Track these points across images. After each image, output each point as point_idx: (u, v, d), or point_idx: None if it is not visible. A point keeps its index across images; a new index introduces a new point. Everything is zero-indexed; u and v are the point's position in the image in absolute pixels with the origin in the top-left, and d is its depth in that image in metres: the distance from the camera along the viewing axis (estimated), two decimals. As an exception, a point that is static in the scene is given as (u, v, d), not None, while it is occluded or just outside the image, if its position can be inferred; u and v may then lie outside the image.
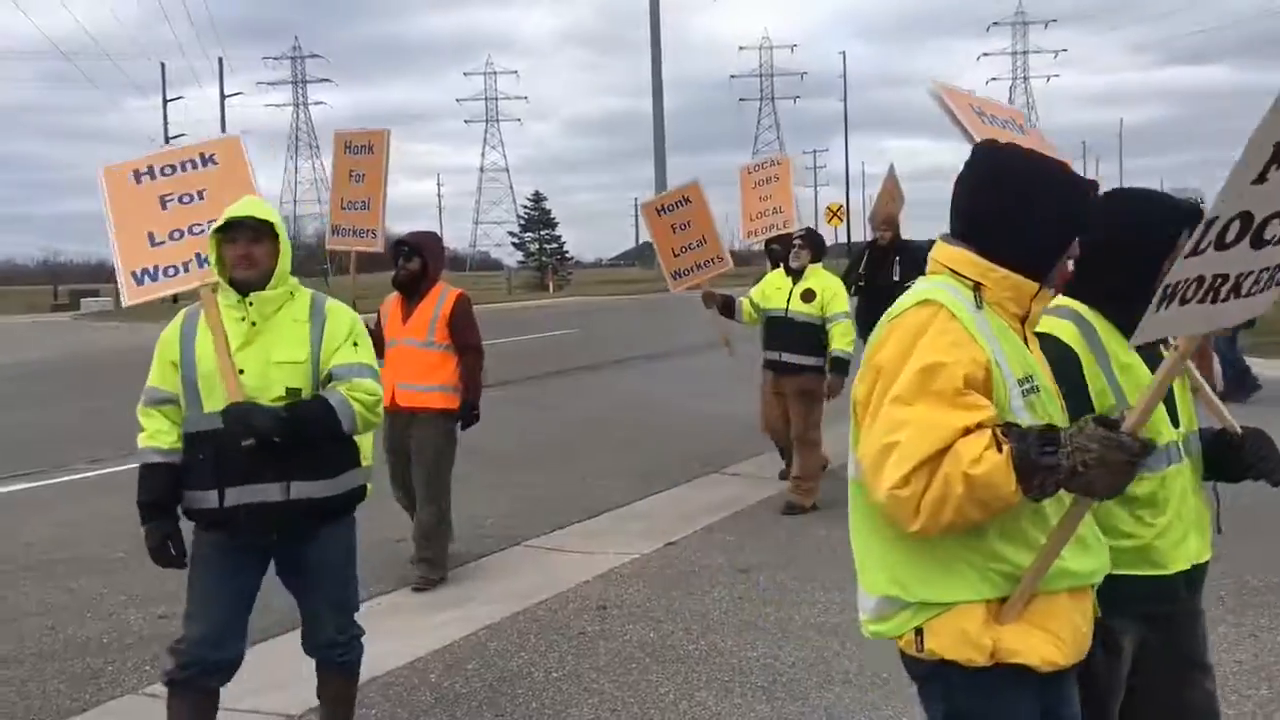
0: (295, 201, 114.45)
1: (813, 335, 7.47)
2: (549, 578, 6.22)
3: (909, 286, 2.30)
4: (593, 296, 50.53)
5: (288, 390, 3.44)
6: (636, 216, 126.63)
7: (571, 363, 18.38)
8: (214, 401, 3.42)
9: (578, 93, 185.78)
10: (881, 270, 8.49)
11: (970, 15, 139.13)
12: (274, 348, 3.48)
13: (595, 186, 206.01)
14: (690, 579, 6.11)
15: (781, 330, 7.59)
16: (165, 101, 56.61)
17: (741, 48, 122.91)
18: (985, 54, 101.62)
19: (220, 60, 63.06)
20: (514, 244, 76.67)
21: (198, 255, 3.80)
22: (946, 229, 2.33)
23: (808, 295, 7.50)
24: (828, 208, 46.81)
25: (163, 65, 56.85)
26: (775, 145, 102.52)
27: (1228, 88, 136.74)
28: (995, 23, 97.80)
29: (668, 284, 8.12)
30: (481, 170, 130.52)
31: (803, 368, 7.54)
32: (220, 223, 3.48)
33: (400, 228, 32.29)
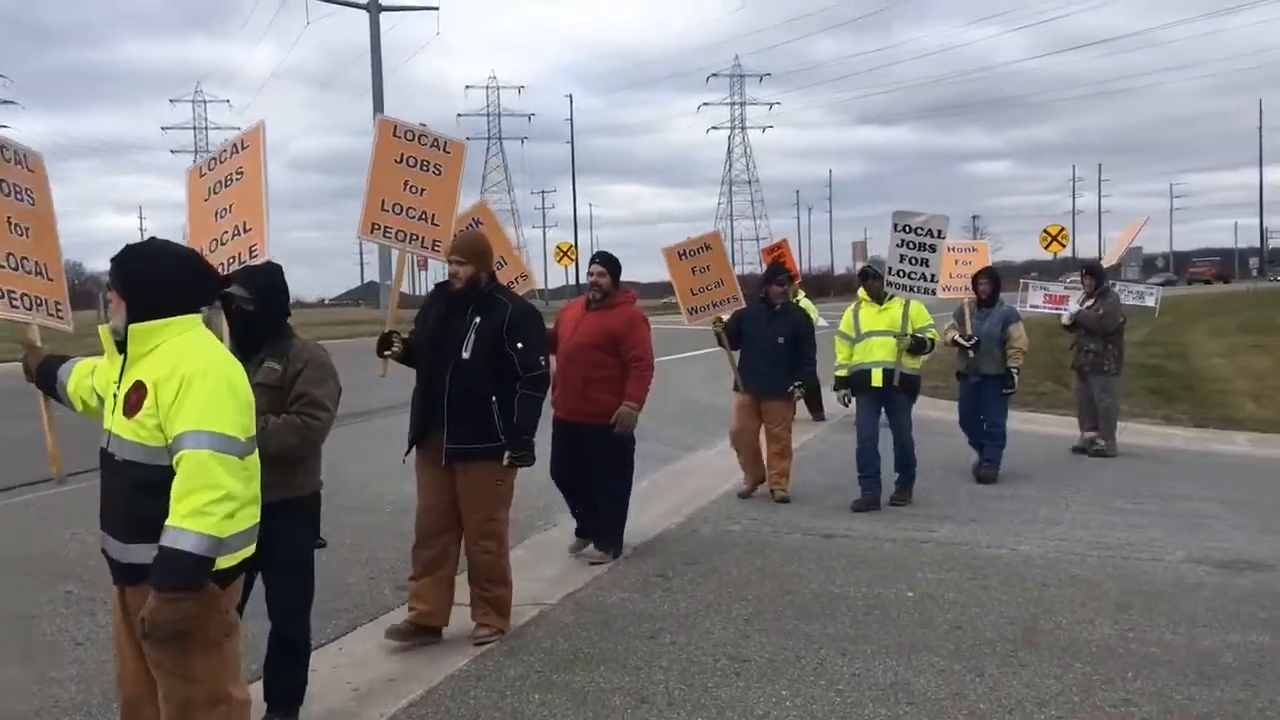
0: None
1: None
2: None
3: None
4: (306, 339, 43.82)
5: None
6: (362, 254, 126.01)
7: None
8: None
9: (299, 130, 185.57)
10: None
11: (690, 65, 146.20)
12: None
13: (317, 225, 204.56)
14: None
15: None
16: None
17: (468, 87, 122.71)
18: (705, 103, 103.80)
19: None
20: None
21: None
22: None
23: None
24: (557, 247, 47.73)
25: None
26: (504, 186, 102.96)
27: (911, 148, 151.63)
28: (714, 74, 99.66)
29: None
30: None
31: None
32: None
33: (97, 264, 30.35)
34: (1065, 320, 11.28)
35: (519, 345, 5.26)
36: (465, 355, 5.22)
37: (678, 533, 7.66)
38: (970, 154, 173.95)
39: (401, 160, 6.03)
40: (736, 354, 8.82)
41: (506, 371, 5.25)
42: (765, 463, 8.79)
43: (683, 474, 10.18)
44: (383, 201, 5.98)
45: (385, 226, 6.00)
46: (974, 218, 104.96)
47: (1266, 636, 5.23)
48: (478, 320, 5.28)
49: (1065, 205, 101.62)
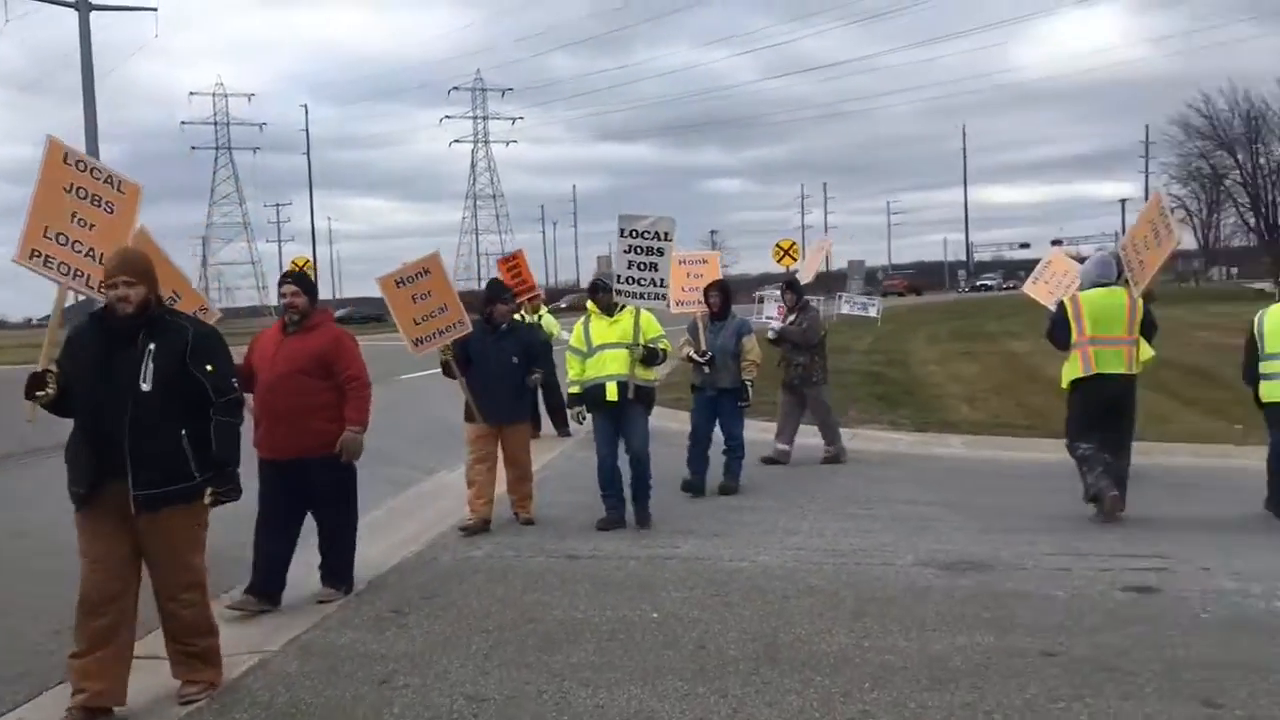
0: None
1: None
2: None
3: None
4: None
5: None
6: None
7: None
8: None
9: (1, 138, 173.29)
10: None
11: (430, 77, 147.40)
12: None
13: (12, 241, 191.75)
14: None
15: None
16: None
17: (193, 93, 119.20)
18: (448, 117, 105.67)
19: None
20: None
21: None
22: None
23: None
24: (293, 262, 46.99)
25: None
26: (234, 198, 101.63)
27: (651, 165, 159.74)
28: (455, 87, 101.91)
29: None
30: None
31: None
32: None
33: None
34: (770, 335, 11.55)
35: (209, 368, 4.71)
36: (145, 387, 4.57)
37: (415, 563, 7.27)
38: (708, 171, 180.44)
39: (71, 190, 5.60)
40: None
41: (195, 400, 4.68)
42: (506, 490, 8.43)
43: (425, 498, 9.77)
44: (46, 228, 5.52)
45: (48, 256, 5.50)
46: (712, 232, 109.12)
47: (991, 637, 5.42)
48: (153, 346, 4.66)
49: (795, 221, 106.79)
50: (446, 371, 8.23)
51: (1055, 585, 6.28)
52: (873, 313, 35.74)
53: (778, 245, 32.23)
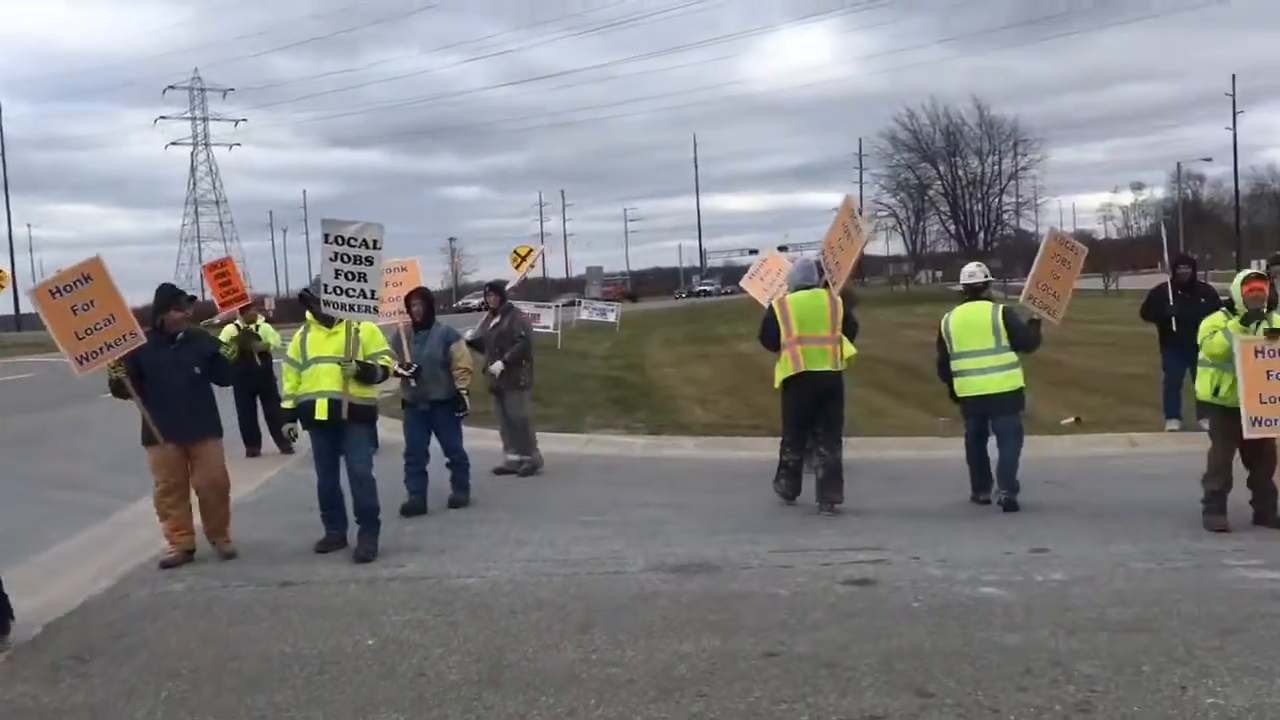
0: None
1: None
2: None
3: None
4: None
5: None
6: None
7: None
8: None
9: None
10: None
11: (142, 75, 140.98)
12: None
13: None
14: None
15: None
16: None
17: None
18: (163, 117, 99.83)
19: None
20: None
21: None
22: None
23: None
24: None
25: None
26: None
27: (385, 171, 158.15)
28: (171, 86, 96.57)
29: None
30: None
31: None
32: None
33: None
34: (469, 337, 10.97)
35: None
36: None
37: (105, 600, 6.55)
38: (445, 178, 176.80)
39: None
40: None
41: None
42: (200, 518, 7.59)
43: (123, 527, 8.88)
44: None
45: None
46: (450, 240, 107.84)
47: (716, 641, 5.39)
48: None
49: (534, 228, 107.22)
50: (118, 391, 7.38)
51: (779, 583, 6.36)
52: (611, 318, 36.23)
53: (515, 252, 32.04)
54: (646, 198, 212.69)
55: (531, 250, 33.12)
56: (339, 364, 7.45)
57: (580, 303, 41.59)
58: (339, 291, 7.53)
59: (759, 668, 4.99)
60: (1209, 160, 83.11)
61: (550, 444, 11.36)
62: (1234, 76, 71.53)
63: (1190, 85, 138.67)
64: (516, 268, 31.50)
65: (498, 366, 10.45)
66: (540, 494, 9.69)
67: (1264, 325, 7.33)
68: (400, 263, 11.15)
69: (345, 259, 7.55)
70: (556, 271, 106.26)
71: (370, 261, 7.60)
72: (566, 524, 8.28)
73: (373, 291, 7.60)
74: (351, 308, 7.55)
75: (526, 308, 31.96)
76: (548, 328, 28.07)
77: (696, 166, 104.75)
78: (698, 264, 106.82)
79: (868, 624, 5.56)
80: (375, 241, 7.64)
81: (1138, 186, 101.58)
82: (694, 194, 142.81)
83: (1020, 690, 4.60)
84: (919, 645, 5.21)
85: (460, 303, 77.45)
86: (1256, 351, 7.22)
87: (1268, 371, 7.18)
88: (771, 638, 5.38)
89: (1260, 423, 7.18)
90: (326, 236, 7.62)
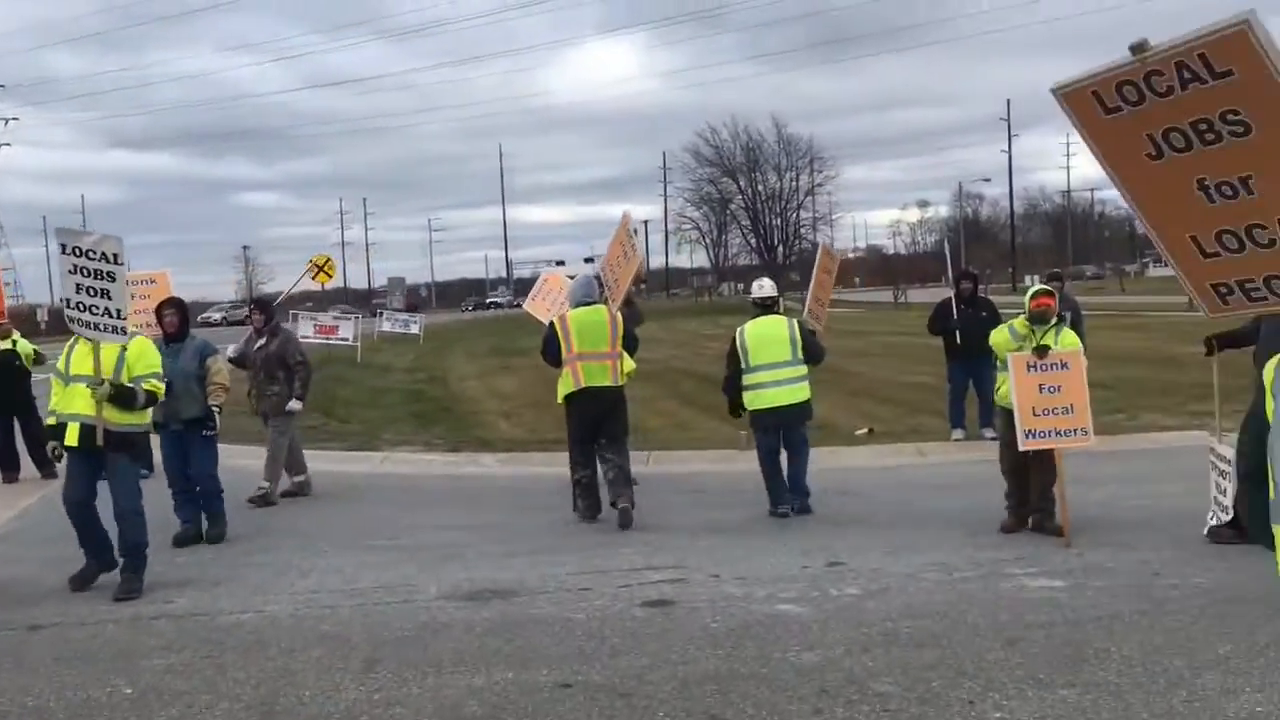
0: None
1: None
2: None
3: None
4: None
5: None
6: None
7: None
8: None
9: None
10: None
11: None
12: None
13: None
14: None
15: None
16: None
17: None
18: None
19: None
20: None
21: None
22: None
23: None
24: None
25: None
26: None
27: (174, 175, 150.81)
28: None
29: None
30: None
31: None
32: None
33: None
34: (231, 354, 10.05)
35: None
36: None
37: None
38: (239, 184, 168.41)
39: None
40: None
41: None
42: None
43: None
44: None
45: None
46: (245, 248, 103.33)
47: (509, 673, 5.13)
48: None
49: (335, 237, 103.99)
50: None
51: (577, 608, 6.15)
52: (414, 329, 35.39)
53: (312, 261, 30.86)
54: (452, 208, 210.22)
55: (330, 259, 32.10)
56: (90, 386, 6.79)
57: (382, 314, 40.50)
58: (81, 308, 6.90)
59: (552, 700, 4.77)
60: (988, 180, 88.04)
61: (344, 463, 10.87)
62: (1009, 101, 76.63)
63: (972, 110, 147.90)
64: (314, 278, 30.42)
65: (296, 405, 9.92)
66: (329, 518, 9.20)
67: (1033, 342, 7.63)
68: (149, 274, 10.56)
69: (85, 273, 6.91)
70: (358, 281, 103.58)
71: (112, 278, 6.95)
72: (355, 550, 7.85)
73: (118, 310, 6.95)
74: (96, 326, 6.92)
75: (323, 318, 30.97)
76: (346, 340, 27.16)
77: (502, 176, 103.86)
78: (504, 274, 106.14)
79: (665, 648, 5.42)
80: (115, 255, 6.98)
81: (923, 204, 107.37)
82: (500, 204, 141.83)
83: (816, 713, 4.55)
84: (716, 669, 5.10)
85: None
86: (1028, 366, 7.51)
87: (1039, 385, 7.47)
88: (567, 667, 5.17)
89: (1034, 435, 7.47)
90: (64, 247, 6.95)
